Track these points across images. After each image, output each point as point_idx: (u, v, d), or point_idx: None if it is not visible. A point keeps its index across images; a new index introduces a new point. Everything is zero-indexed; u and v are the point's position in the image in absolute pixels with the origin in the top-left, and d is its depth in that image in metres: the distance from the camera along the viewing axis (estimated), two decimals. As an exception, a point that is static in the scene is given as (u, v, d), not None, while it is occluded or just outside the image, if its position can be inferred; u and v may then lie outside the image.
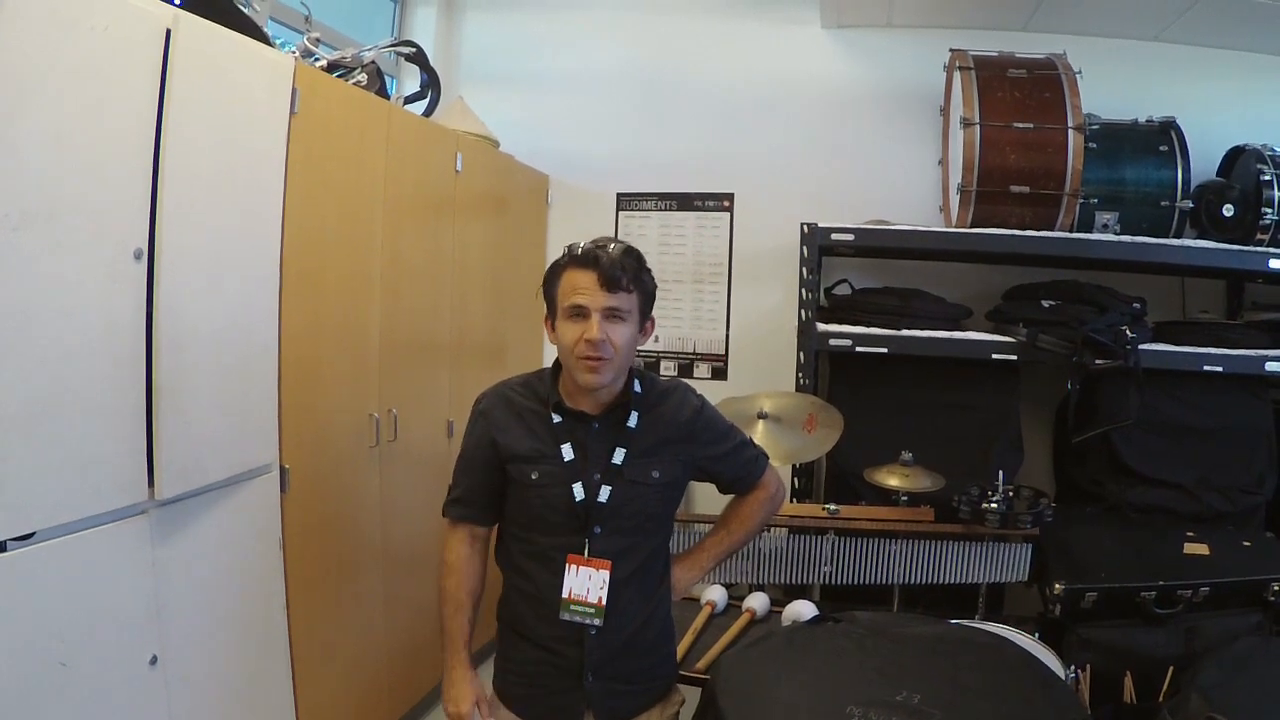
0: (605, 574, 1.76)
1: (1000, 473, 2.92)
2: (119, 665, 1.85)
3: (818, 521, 2.95)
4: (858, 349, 3.31)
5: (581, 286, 1.70)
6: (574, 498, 1.76)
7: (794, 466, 3.54)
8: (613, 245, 1.74)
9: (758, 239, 4.15)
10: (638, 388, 1.84)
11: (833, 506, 2.97)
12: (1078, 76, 3.30)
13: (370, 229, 2.80)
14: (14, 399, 1.57)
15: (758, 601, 2.67)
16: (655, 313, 1.84)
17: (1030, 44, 3.57)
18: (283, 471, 2.38)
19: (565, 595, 1.76)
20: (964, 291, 3.71)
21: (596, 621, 1.76)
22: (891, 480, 3.00)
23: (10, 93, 1.51)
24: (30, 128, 1.56)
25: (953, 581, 2.92)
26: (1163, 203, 3.35)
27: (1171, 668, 2.52)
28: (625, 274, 1.71)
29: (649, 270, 1.79)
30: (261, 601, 2.33)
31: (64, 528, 1.69)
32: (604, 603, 1.75)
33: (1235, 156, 3.51)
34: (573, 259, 1.73)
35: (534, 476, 1.77)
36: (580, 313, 1.70)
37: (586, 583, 1.75)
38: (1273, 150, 3.36)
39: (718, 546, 2.04)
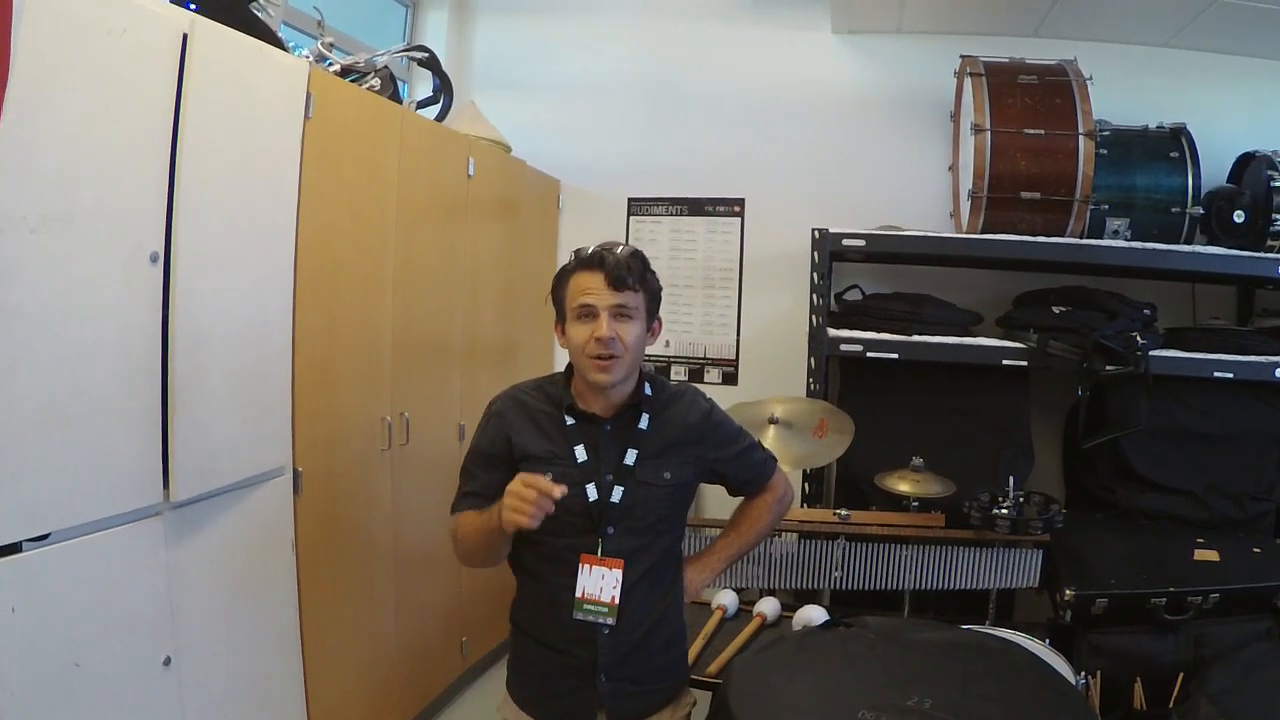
0: (618, 573, 1.77)
1: (1011, 478, 2.92)
2: (132, 666, 1.86)
3: (828, 527, 2.94)
4: (868, 354, 3.30)
5: (589, 287, 1.75)
6: (587, 498, 1.78)
7: (805, 471, 3.53)
8: (619, 247, 1.79)
9: (769, 244, 4.16)
10: (648, 390, 1.86)
11: (843, 512, 2.97)
12: (1088, 83, 3.29)
13: (383, 232, 2.81)
14: (30, 400, 1.58)
15: (769, 606, 2.68)
16: (665, 317, 1.89)
17: (1041, 50, 3.56)
18: (296, 474, 2.39)
19: (579, 595, 1.77)
20: (974, 297, 3.70)
21: (610, 621, 1.77)
22: (902, 486, 2.99)
23: (29, 96, 1.52)
24: (48, 131, 1.58)
25: (963, 587, 2.91)
26: (1173, 209, 3.34)
27: (1181, 674, 2.53)
28: (631, 274, 1.75)
29: (653, 271, 1.85)
30: (274, 603, 2.35)
31: (79, 529, 1.71)
32: (617, 601, 1.77)
33: (1246, 163, 3.50)
34: (580, 262, 1.78)
35: (548, 477, 1.77)
36: (589, 312, 1.74)
37: (600, 582, 1.77)
38: (1284, 156, 3.35)
39: (729, 548, 2.06)
